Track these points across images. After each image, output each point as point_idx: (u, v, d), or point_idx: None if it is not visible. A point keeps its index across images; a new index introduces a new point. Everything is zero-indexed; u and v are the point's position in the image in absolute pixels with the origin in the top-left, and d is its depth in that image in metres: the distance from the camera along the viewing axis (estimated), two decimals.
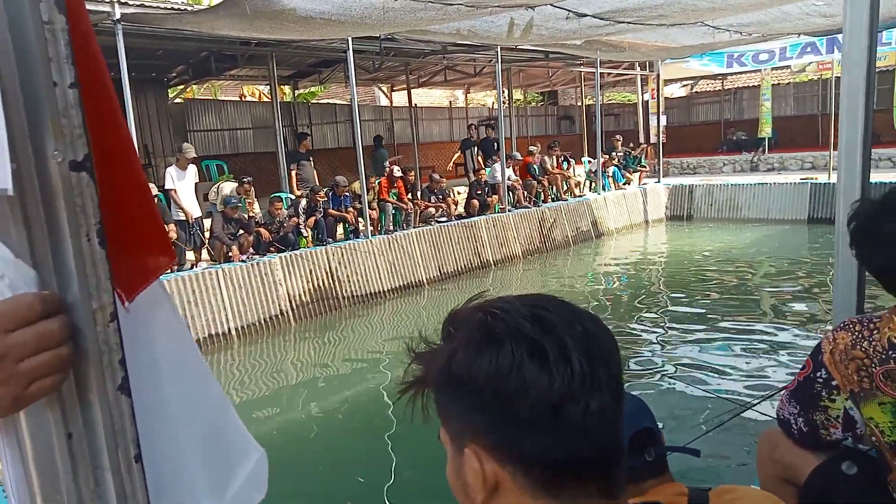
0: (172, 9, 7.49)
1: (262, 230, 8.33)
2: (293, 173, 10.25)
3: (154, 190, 7.90)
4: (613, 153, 14.49)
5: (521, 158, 12.57)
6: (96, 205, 0.57)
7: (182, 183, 8.21)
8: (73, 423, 0.57)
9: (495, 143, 13.56)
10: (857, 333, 1.25)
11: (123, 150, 0.69)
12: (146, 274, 0.72)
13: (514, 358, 0.54)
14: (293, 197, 9.58)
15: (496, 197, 11.35)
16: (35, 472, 0.56)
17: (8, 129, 0.53)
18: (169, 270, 7.48)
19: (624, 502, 0.59)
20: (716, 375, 5.64)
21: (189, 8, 7.47)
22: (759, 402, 2.42)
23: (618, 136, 15.46)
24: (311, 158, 10.51)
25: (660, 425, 1.16)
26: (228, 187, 8.92)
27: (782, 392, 1.48)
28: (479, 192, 11.15)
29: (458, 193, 11.64)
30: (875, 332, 1.23)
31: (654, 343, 6.80)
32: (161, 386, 0.74)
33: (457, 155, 16.34)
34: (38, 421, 0.56)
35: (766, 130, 16.87)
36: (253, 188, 8.92)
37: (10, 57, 0.53)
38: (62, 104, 0.55)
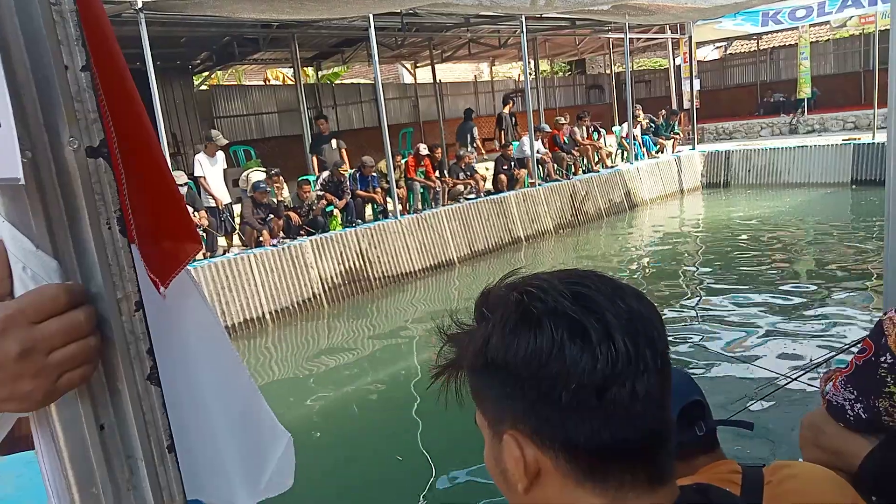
0: None
1: (292, 214, 8.41)
2: (314, 160, 10.14)
3: (184, 177, 8.03)
4: (637, 118, 14.16)
5: (549, 130, 12.37)
6: (115, 192, 0.56)
7: (211, 170, 8.32)
8: (105, 414, 0.57)
9: (513, 117, 13.39)
10: None
11: (142, 134, 0.67)
12: (176, 260, 0.72)
13: (554, 339, 0.51)
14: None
15: (524, 171, 11.21)
16: (69, 464, 0.56)
17: (21, 117, 0.51)
18: (202, 257, 7.63)
19: (673, 486, 0.56)
20: (758, 347, 5.52)
21: None
22: (802, 374, 2.35)
23: (638, 105, 15.02)
24: (332, 139, 10.28)
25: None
26: (257, 175, 9.01)
27: (831, 371, 1.41)
28: (506, 167, 11.03)
29: (487, 170, 11.54)
30: None
31: (692, 315, 6.68)
32: (193, 375, 0.73)
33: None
34: (69, 413, 0.56)
35: (805, 91, 16.24)
36: (282, 178, 8.96)
37: (19, 41, 0.51)
38: (75, 88, 0.54)
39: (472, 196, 10.52)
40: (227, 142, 8.63)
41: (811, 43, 16.85)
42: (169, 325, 0.70)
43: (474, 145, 12.85)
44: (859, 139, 13.17)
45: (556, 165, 11.84)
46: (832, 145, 13.23)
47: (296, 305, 7.93)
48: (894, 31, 1.88)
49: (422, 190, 9.93)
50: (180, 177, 7.94)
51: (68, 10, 0.53)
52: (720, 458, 1.05)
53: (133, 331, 0.57)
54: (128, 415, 0.57)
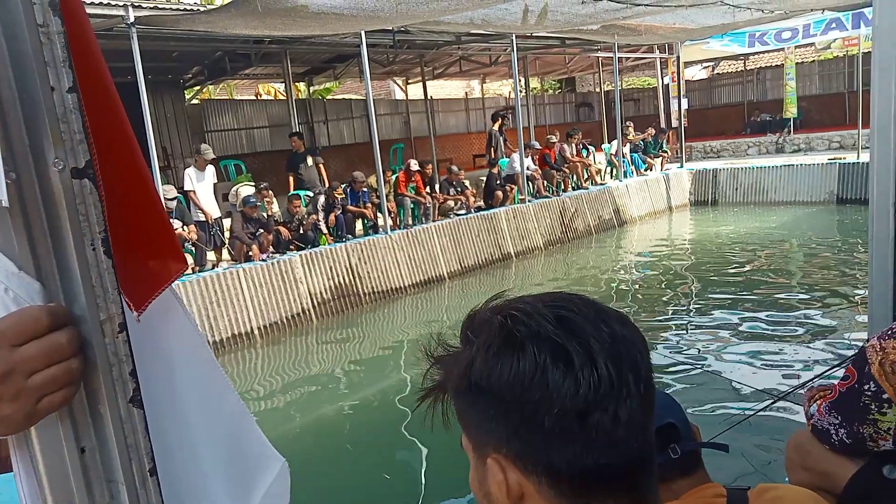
0: (185, 10, 7.55)
1: (282, 228, 8.38)
2: (291, 179, 9.89)
3: (174, 192, 8.00)
4: (628, 136, 14.33)
5: (539, 148, 12.46)
6: (100, 213, 0.56)
7: (201, 184, 8.29)
8: (86, 437, 0.56)
9: (502, 134, 13.52)
10: None
11: (128, 154, 0.67)
12: (157, 282, 0.71)
13: (537, 363, 0.51)
14: (311, 194, 9.59)
15: (512, 187, 11.27)
16: (48, 488, 0.56)
17: (6, 138, 0.52)
18: (190, 271, 7.57)
19: None
20: (745, 366, 5.54)
21: (202, 8, 7.51)
22: (789, 393, 2.36)
23: (628, 123, 15.19)
24: (308, 156, 10.02)
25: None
26: (247, 190, 8.99)
27: (813, 390, 1.42)
28: (499, 181, 11.09)
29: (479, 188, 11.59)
30: None
31: (680, 334, 6.70)
32: (176, 397, 0.72)
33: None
34: (49, 436, 0.55)
35: (791, 110, 16.49)
36: (271, 192, 8.92)
37: (6, 62, 0.52)
38: (61, 110, 0.54)
39: (463, 212, 10.55)
40: (213, 156, 8.58)
41: (797, 64, 17.14)
42: (153, 346, 0.70)
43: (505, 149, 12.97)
44: (844, 158, 13.37)
45: (545, 182, 11.91)
46: (817, 164, 13.41)
47: (285, 320, 7.88)
48: (876, 55, 1.92)
49: (412, 205, 9.95)
50: (170, 191, 7.91)
51: (55, 32, 0.53)
52: (703, 480, 1.04)
53: (116, 353, 0.57)
54: (109, 438, 0.57)
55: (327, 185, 9.56)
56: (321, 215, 8.80)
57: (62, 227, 0.54)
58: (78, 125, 0.55)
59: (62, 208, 0.54)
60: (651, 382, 0.55)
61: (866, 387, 1.19)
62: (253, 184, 9.27)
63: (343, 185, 9.39)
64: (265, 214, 8.37)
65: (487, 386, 0.53)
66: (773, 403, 2.60)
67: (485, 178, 11.46)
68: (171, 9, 7.64)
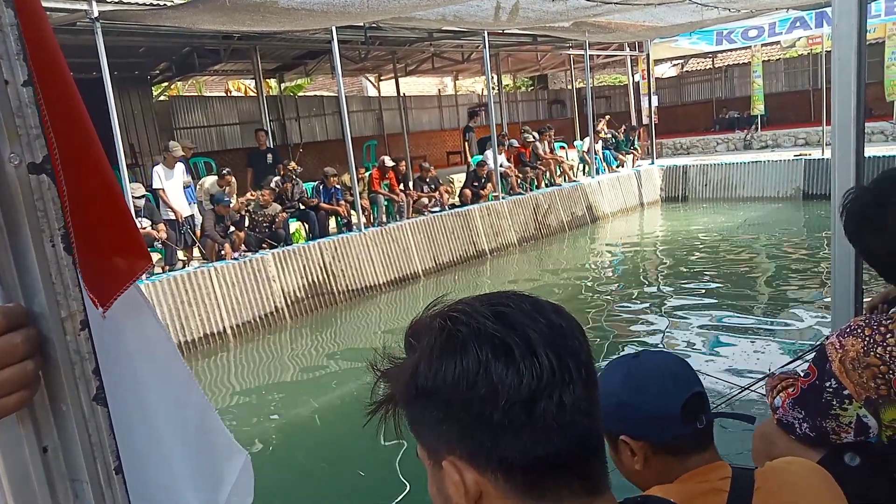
0: (151, 4, 7.39)
1: (254, 218, 8.28)
2: (249, 173, 9.83)
3: (141, 190, 7.84)
4: (601, 132, 14.49)
5: (517, 146, 12.51)
6: (59, 209, 0.55)
7: (170, 182, 8.14)
8: (48, 436, 0.55)
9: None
10: (867, 339, 1.19)
11: (88, 149, 0.66)
12: (121, 278, 0.70)
13: (480, 359, 0.52)
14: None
15: (490, 185, 11.30)
16: (10, 488, 0.55)
17: None
18: (160, 270, 7.44)
19: (610, 497, 0.57)
20: (715, 357, 5.66)
21: (168, 3, 7.37)
22: (758, 383, 2.42)
23: (607, 117, 15.34)
24: (269, 154, 9.94)
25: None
26: (209, 181, 8.86)
27: (774, 380, 1.46)
28: (476, 183, 11.11)
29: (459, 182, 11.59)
30: (889, 335, 1.18)
31: (651, 326, 6.81)
32: (143, 394, 0.72)
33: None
34: (9, 436, 0.54)
35: (758, 108, 16.84)
36: (234, 178, 8.82)
37: None
38: (16, 104, 0.53)
39: (437, 209, 10.55)
40: (182, 153, 8.42)
41: (763, 62, 17.49)
42: (118, 343, 0.69)
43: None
44: (809, 155, 13.71)
45: (519, 179, 11.98)
46: (784, 161, 13.73)
47: (258, 320, 7.79)
48: (836, 53, 1.97)
49: (386, 203, 9.92)
50: (138, 189, 7.74)
51: (8, 25, 0.52)
52: (713, 458, 1.01)
53: (78, 350, 0.56)
54: (72, 436, 0.56)
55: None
56: (277, 180, 8.70)
57: (19, 223, 0.53)
58: (34, 119, 0.54)
59: (19, 204, 0.53)
60: (592, 367, 0.56)
61: (827, 384, 1.23)
62: (215, 174, 9.14)
63: (315, 183, 9.32)
64: (232, 203, 8.25)
65: (434, 389, 0.54)
66: (739, 394, 2.67)
67: (459, 175, 11.48)
68: (136, 3, 7.47)
